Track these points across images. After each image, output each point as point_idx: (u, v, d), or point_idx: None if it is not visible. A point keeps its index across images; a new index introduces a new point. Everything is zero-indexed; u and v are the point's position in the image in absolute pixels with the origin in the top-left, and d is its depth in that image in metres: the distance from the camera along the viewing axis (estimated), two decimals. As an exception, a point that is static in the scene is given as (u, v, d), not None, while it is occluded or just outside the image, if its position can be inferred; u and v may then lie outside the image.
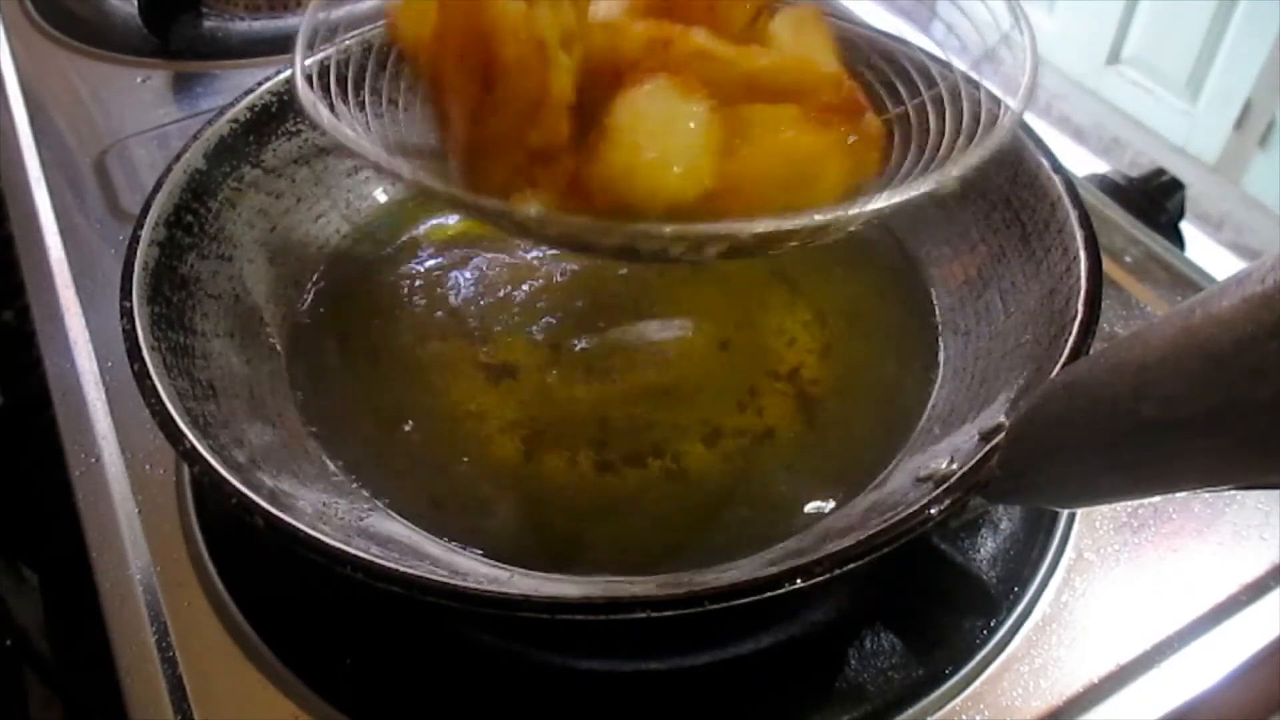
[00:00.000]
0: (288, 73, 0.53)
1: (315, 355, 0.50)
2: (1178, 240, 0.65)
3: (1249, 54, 1.57)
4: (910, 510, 0.35)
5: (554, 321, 0.51)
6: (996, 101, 0.44)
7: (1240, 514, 0.47)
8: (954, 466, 0.38)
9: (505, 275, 0.54)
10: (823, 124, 0.37)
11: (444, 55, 0.38)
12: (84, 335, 0.57)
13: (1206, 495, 0.47)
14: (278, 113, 0.53)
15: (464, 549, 0.41)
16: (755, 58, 0.38)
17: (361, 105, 0.56)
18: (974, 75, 0.45)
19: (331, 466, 0.45)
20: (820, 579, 0.33)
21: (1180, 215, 0.67)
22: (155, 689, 0.42)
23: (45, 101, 0.75)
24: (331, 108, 0.44)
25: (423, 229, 0.57)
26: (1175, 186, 0.67)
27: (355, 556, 0.34)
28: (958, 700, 0.41)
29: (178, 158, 0.48)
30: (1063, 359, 0.39)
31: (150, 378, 0.39)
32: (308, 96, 0.40)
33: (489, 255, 0.55)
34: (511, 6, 0.35)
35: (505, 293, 0.53)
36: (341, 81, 0.55)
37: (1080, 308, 0.41)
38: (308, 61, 0.53)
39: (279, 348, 0.49)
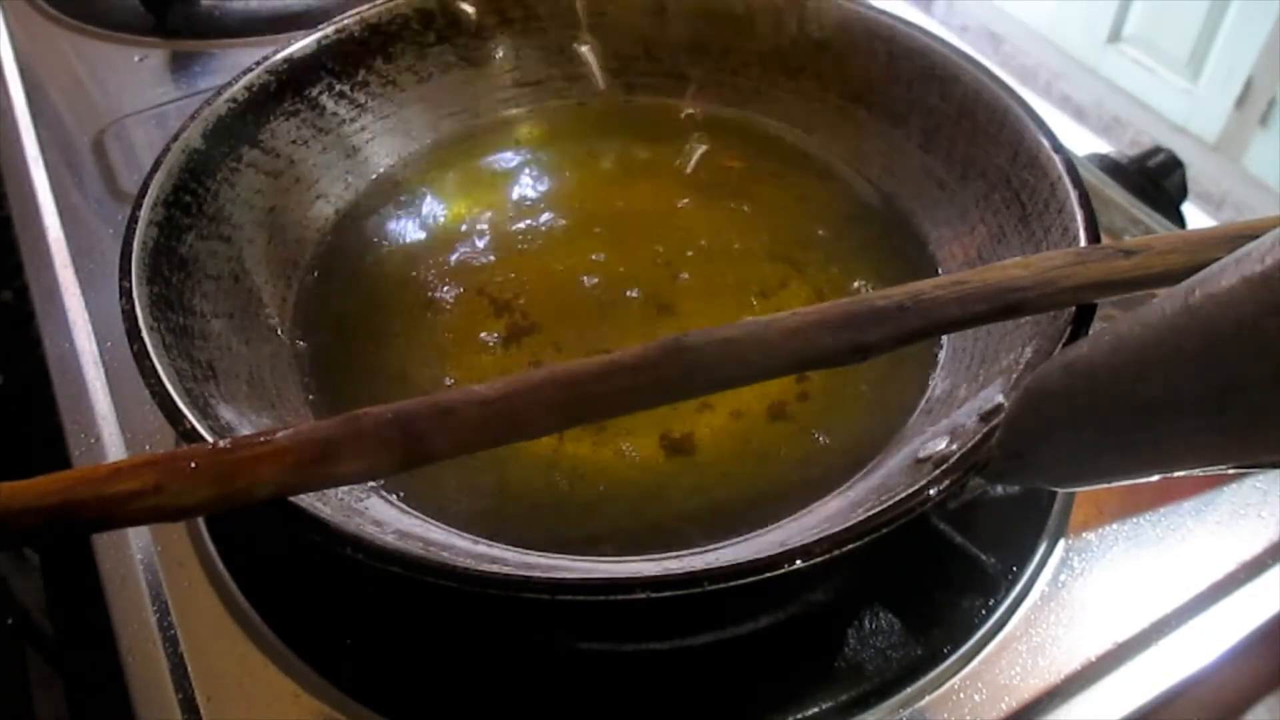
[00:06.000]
0: (285, 52, 0.53)
1: (315, 336, 0.50)
2: (1178, 220, 0.65)
3: (1250, 32, 1.57)
4: (909, 491, 0.35)
5: (558, 300, 0.52)
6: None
7: (1238, 492, 0.47)
8: (953, 447, 0.38)
9: (509, 254, 0.54)
10: None
11: None
12: (83, 315, 0.57)
13: (1205, 474, 0.47)
14: (276, 92, 0.53)
15: (463, 531, 0.42)
16: None
17: (360, 85, 0.57)
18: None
19: (331, 447, 0.45)
20: (820, 560, 0.33)
21: (1183, 195, 0.67)
22: (156, 667, 0.42)
23: (42, 80, 0.75)
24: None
25: (423, 207, 0.57)
26: (1173, 164, 0.67)
27: (355, 536, 0.34)
28: (956, 679, 0.41)
29: (175, 137, 0.48)
30: (1062, 339, 0.39)
31: (150, 358, 0.39)
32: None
33: (492, 232, 0.55)
34: None
35: (510, 269, 0.53)
36: (339, 60, 0.56)
37: (1080, 288, 0.41)
38: (311, 37, 0.54)
39: (279, 328, 0.49)
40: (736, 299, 0.52)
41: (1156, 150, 0.68)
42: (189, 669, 0.42)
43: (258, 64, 0.52)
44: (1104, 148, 0.70)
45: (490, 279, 0.53)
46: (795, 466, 0.45)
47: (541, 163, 0.60)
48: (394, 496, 0.43)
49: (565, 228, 0.55)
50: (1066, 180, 0.45)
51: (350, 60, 0.56)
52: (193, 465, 0.32)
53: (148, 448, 0.50)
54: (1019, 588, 0.44)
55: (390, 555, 0.34)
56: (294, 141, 0.54)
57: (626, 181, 0.58)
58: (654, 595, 0.33)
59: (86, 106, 0.72)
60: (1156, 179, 0.66)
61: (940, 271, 0.51)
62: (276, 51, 0.53)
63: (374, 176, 0.58)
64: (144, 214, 0.44)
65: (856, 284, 0.52)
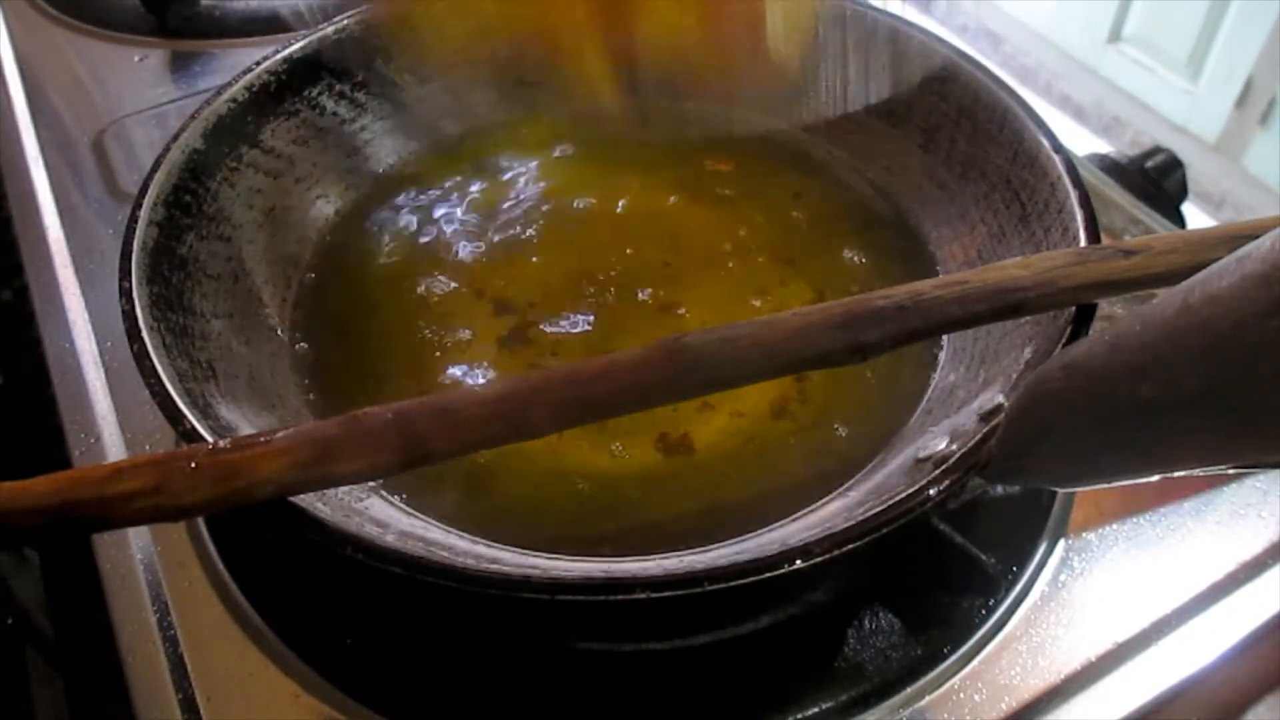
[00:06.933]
0: (285, 52, 0.53)
1: (315, 336, 0.50)
2: (1178, 220, 0.65)
3: (1250, 32, 1.57)
4: (909, 491, 0.35)
5: (558, 300, 0.52)
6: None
7: (1238, 492, 0.47)
8: (953, 447, 0.38)
9: (509, 254, 0.54)
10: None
11: None
12: (83, 315, 0.57)
13: (1205, 475, 0.47)
14: (276, 92, 0.53)
15: (463, 531, 0.42)
16: None
17: (360, 85, 0.57)
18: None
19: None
20: (819, 559, 0.33)
21: (1183, 195, 0.67)
22: (156, 667, 0.42)
23: (43, 80, 0.75)
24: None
25: (423, 207, 0.57)
26: (1173, 164, 0.67)
27: (355, 536, 0.34)
28: (956, 679, 0.41)
29: (175, 137, 0.48)
30: (1063, 339, 0.39)
31: (150, 358, 0.39)
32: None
33: (492, 233, 0.55)
34: None
35: (510, 270, 0.53)
36: (339, 60, 0.56)
37: (1080, 288, 0.41)
38: (311, 37, 0.54)
39: (278, 329, 0.49)
40: (736, 299, 0.52)
41: (1156, 150, 0.68)
42: (189, 669, 0.42)
43: (258, 64, 0.52)
44: (1104, 148, 0.70)
45: (490, 279, 0.53)
46: (795, 466, 0.45)
47: (541, 163, 0.60)
48: (395, 497, 0.43)
49: (565, 228, 0.55)
50: (1066, 180, 0.45)
51: (350, 60, 0.56)
52: (193, 465, 0.32)
53: (148, 448, 0.50)
54: (1019, 588, 0.44)
55: (391, 555, 0.34)
56: (294, 141, 0.54)
57: (626, 181, 0.58)
58: (654, 595, 0.33)
59: (86, 106, 0.72)
60: (1156, 179, 0.66)
61: (940, 271, 0.51)
62: (276, 51, 0.53)
63: (374, 176, 0.58)
64: (144, 214, 0.44)
65: (856, 283, 0.52)
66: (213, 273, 0.47)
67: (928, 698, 0.41)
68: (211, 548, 0.46)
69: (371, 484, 0.43)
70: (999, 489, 0.47)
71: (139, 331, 0.40)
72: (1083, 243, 0.42)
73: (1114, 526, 0.46)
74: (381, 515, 0.40)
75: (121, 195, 0.64)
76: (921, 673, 0.41)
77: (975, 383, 0.44)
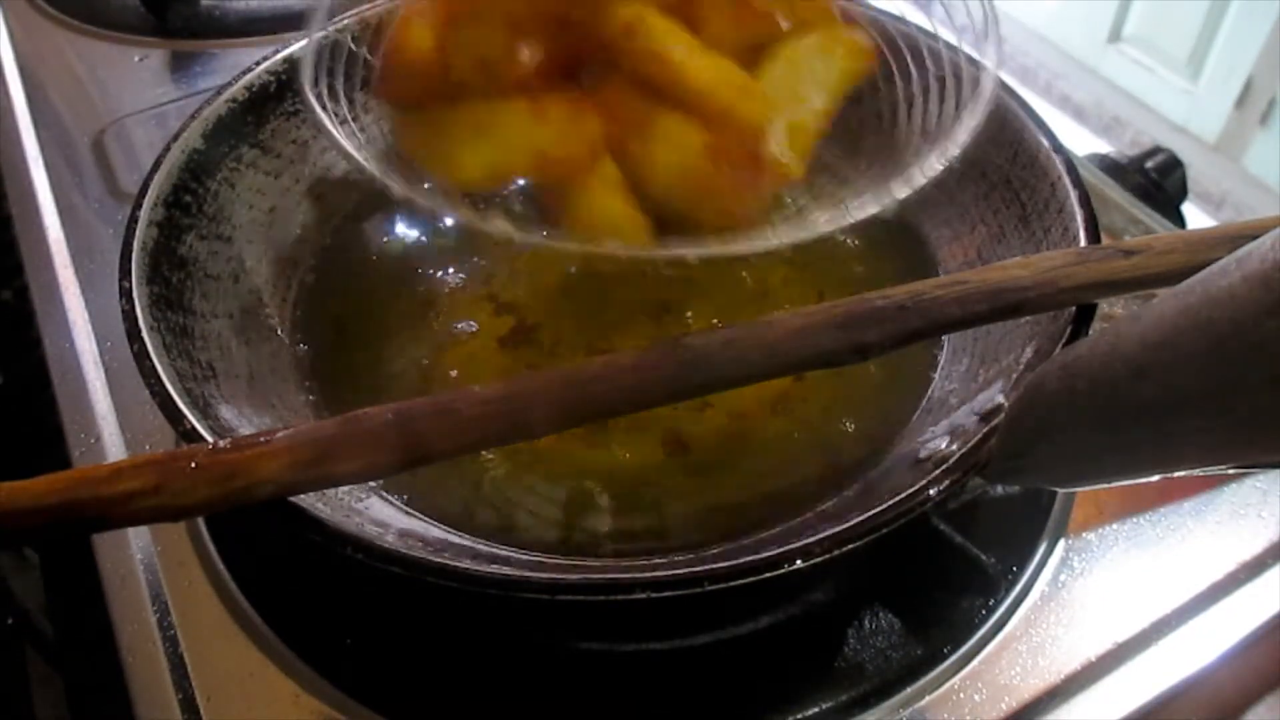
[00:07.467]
0: (285, 52, 0.53)
1: (315, 336, 0.50)
2: (1178, 220, 0.65)
3: (1250, 32, 1.57)
4: (909, 491, 0.35)
5: (558, 300, 0.52)
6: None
7: (1238, 492, 0.47)
8: (953, 447, 0.38)
9: (510, 254, 0.54)
10: (711, 156, 0.39)
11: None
12: (83, 315, 0.57)
13: (1205, 475, 0.47)
14: (275, 92, 0.53)
15: (463, 532, 0.42)
16: (691, 74, 0.39)
17: (360, 85, 0.56)
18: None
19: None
20: (820, 560, 0.33)
21: (1183, 195, 0.67)
22: (156, 668, 0.42)
23: (43, 80, 0.75)
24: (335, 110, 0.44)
25: (424, 206, 0.57)
26: (1173, 164, 0.67)
27: (355, 536, 0.34)
28: (956, 679, 0.41)
29: (176, 137, 0.48)
30: (1062, 339, 0.39)
31: (150, 358, 0.39)
32: (314, 105, 0.41)
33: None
34: None
35: (510, 270, 0.53)
36: (339, 60, 0.55)
37: (1080, 288, 0.41)
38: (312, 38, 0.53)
39: (278, 329, 0.49)
40: (736, 299, 0.52)
41: (1156, 150, 0.68)
42: (189, 669, 0.42)
43: (258, 64, 0.52)
44: (1104, 148, 0.70)
45: (490, 279, 0.53)
46: (795, 466, 0.45)
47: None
48: (395, 497, 0.43)
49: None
50: (1066, 180, 0.45)
51: (350, 60, 0.56)
52: (193, 465, 0.32)
53: (148, 448, 0.50)
54: (1019, 588, 0.44)
55: (391, 556, 0.34)
56: (294, 141, 0.54)
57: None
58: (654, 595, 0.33)
59: (86, 106, 0.72)
60: (1156, 179, 0.66)
61: (940, 271, 0.51)
62: (276, 51, 0.53)
63: (374, 177, 0.57)
64: (144, 214, 0.44)
65: (856, 283, 0.52)
66: (213, 273, 0.47)
67: (928, 698, 0.41)
68: (211, 548, 0.46)
69: (371, 484, 0.43)
70: (999, 489, 0.47)
71: (139, 331, 0.40)
72: (1083, 243, 0.42)
73: (1114, 526, 0.46)
74: (381, 515, 0.40)
75: (121, 195, 0.64)
76: (921, 673, 0.41)
77: (975, 383, 0.44)
